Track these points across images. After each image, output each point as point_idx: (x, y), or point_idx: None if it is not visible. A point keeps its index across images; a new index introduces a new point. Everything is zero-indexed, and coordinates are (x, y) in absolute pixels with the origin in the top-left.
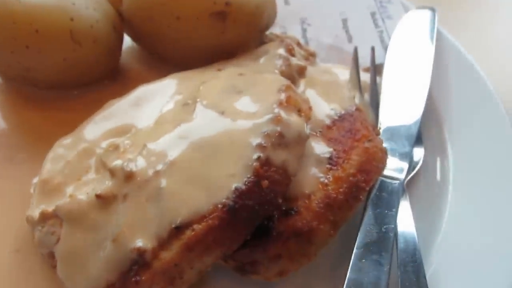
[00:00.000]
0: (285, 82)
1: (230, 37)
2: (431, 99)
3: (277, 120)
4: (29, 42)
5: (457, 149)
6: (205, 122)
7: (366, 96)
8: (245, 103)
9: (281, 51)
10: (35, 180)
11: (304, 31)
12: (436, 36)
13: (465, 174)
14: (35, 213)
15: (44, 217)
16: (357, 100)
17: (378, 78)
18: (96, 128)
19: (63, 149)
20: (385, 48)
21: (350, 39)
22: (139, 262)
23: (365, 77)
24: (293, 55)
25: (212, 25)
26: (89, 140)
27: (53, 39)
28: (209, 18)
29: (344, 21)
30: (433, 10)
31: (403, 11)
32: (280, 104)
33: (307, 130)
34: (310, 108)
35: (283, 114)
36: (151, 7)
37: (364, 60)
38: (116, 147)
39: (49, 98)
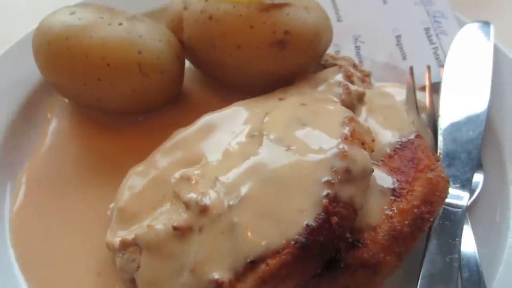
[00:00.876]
0: (348, 113)
1: (289, 65)
2: (490, 120)
3: (343, 155)
4: (101, 75)
5: None
6: (273, 157)
7: (424, 117)
8: (310, 137)
9: (340, 77)
10: (112, 205)
11: (357, 49)
12: (494, 52)
13: None
14: (116, 241)
15: (124, 245)
16: (415, 123)
17: (435, 97)
18: (166, 158)
19: (137, 178)
20: (440, 65)
21: (404, 57)
22: None
23: (421, 96)
24: (352, 81)
25: (272, 54)
26: (160, 168)
27: (123, 72)
28: (269, 47)
29: (398, 38)
30: (488, 24)
31: (457, 26)
32: (345, 138)
33: (371, 163)
34: (373, 140)
35: (348, 149)
36: (213, 36)
37: (420, 79)
38: (188, 178)
39: (116, 123)
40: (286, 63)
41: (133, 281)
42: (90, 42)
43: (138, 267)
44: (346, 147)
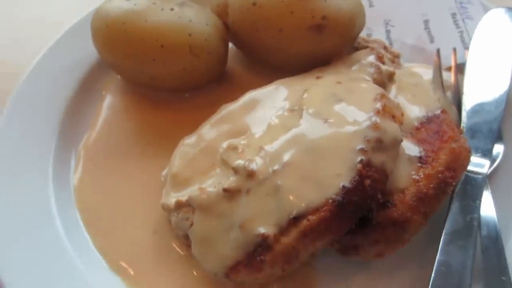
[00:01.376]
0: (379, 90)
1: (326, 47)
2: (511, 98)
3: (375, 127)
4: (155, 55)
5: None
6: (312, 129)
7: (449, 95)
8: (345, 111)
9: (372, 58)
10: (164, 172)
11: (388, 32)
12: None
13: None
14: (171, 201)
15: (179, 205)
16: (440, 99)
17: (460, 77)
18: (214, 130)
19: (188, 147)
20: (466, 48)
21: (432, 40)
22: (263, 245)
23: (447, 76)
24: (383, 62)
25: (311, 37)
26: (209, 139)
27: (175, 53)
28: (307, 30)
29: (426, 22)
30: (511, 9)
31: (482, 11)
32: (377, 112)
33: (400, 134)
34: (402, 114)
35: (380, 121)
36: (256, 20)
37: (446, 60)
38: (235, 148)
39: (166, 100)
40: (323, 45)
41: (186, 237)
42: (145, 26)
43: (191, 224)
44: (378, 120)
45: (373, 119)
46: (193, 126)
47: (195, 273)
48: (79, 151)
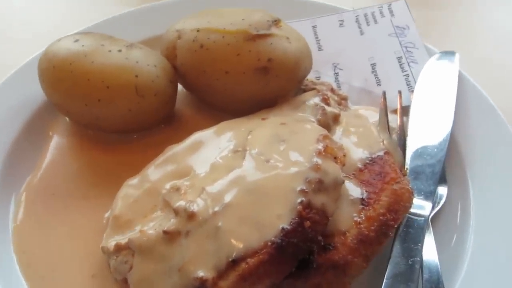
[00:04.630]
0: (322, 132)
1: (272, 89)
2: (454, 140)
3: (316, 168)
4: (101, 96)
5: (478, 187)
6: (254, 169)
7: (395, 137)
8: (288, 152)
9: (317, 100)
10: (107, 214)
11: (336, 75)
12: (458, 79)
13: (486, 211)
14: (110, 245)
15: (118, 248)
16: (386, 142)
17: (405, 119)
18: (158, 171)
19: (131, 189)
20: (411, 90)
21: (378, 83)
22: None
23: (393, 118)
24: (328, 104)
25: (256, 79)
26: (153, 181)
27: (121, 93)
28: (253, 73)
29: (373, 66)
30: (453, 53)
31: (427, 55)
32: (318, 153)
33: (342, 175)
34: (344, 155)
35: (321, 162)
36: (203, 62)
37: (392, 103)
38: (177, 189)
39: (113, 141)
40: (269, 87)
41: (125, 281)
42: (92, 66)
43: (131, 268)
44: (319, 161)
45: (314, 160)
46: (139, 168)
47: None
48: (20, 194)
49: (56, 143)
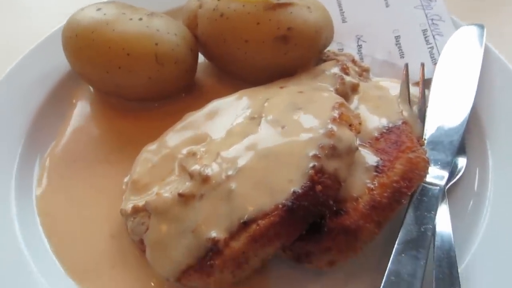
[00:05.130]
0: (339, 99)
1: (291, 58)
2: (475, 112)
3: (330, 134)
4: (121, 63)
5: (498, 159)
6: (269, 135)
7: (415, 109)
8: (303, 119)
9: (336, 70)
10: (127, 179)
11: (359, 47)
12: (484, 52)
13: (505, 184)
14: (128, 207)
15: (136, 210)
16: (406, 113)
17: (427, 92)
18: (176, 137)
19: (150, 154)
20: (435, 63)
21: (402, 55)
22: (214, 249)
23: (415, 91)
24: (347, 73)
25: (276, 48)
26: (170, 147)
27: (141, 61)
28: (273, 42)
29: (397, 38)
30: (481, 26)
31: (453, 28)
32: (333, 120)
33: (356, 143)
34: (360, 123)
35: (335, 129)
36: (223, 32)
37: (415, 75)
38: (193, 154)
39: (134, 109)
40: (289, 56)
41: (142, 242)
42: (113, 34)
43: (147, 229)
44: (333, 127)
45: (329, 126)
46: (159, 134)
47: (152, 283)
48: (44, 158)
49: (79, 110)
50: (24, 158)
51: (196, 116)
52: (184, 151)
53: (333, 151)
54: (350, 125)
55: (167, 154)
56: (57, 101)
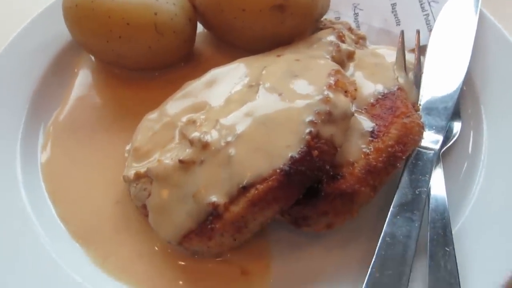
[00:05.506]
0: (335, 67)
1: (288, 27)
2: (470, 77)
3: (326, 100)
4: (121, 33)
5: (492, 124)
6: (267, 102)
7: (411, 76)
8: (300, 86)
9: (332, 38)
10: (128, 147)
11: (356, 15)
12: (479, 18)
13: (499, 147)
14: (130, 173)
15: (138, 176)
16: (401, 80)
17: (422, 58)
18: (176, 105)
19: (151, 122)
20: (430, 30)
21: (398, 23)
22: (214, 213)
23: (411, 57)
24: (343, 41)
25: (273, 17)
26: (171, 115)
27: (141, 30)
28: (270, 10)
29: (393, 5)
30: None
31: None
32: (329, 86)
33: (352, 108)
34: (355, 89)
35: (331, 95)
36: (220, 1)
37: (410, 42)
38: (193, 121)
39: (135, 78)
40: (286, 25)
41: (144, 207)
42: (112, 4)
43: (149, 195)
44: (329, 94)
45: (325, 93)
46: (159, 103)
47: (156, 247)
48: (48, 126)
49: (81, 79)
50: (28, 125)
51: (195, 85)
52: (184, 119)
53: (329, 117)
54: (345, 92)
55: (167, 122)
56: (59, 70)
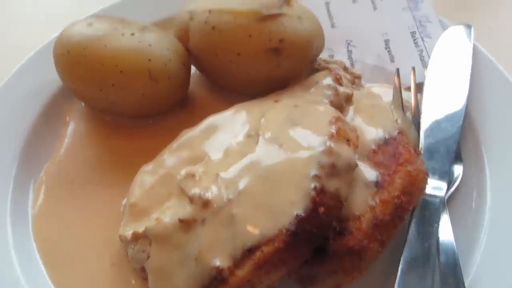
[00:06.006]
0: (335, 113)
1: (284, 70)
2: (469, 116)
3: (329, 152)
4: (115, 81)
5: (494, 165)
6: (267, 154)
7: (409, 115)
8: (300, 136)
9: (329, 80)
10: (124, 201)
11: (349, 53)
12: (473, 52)
13: (503, 190)
14: (128, 233)
15: (136, 237)
16: (400, 121)
17: (419, 96)
18: (173, 156)
19: (147, 175)
20: (425, 66)
21: (392, 59)
22: (218, 278)
23: (407, 96)
24: (340, 83)
25: (268, 60)
26: (168, 167)
27: (134, 78)
28: (265, 54)
29: (387, 42)
30: (469, 26)
31: (441, 29)
32: (331, 136)
33: (355, 159)
34: (357, 137)
35: (334, 145)
36: (215, 45)
37: (406, 80)
38: (192, 175)
39: (128, 126)
40: (281, 68)
41: (143, 270)
42: (105, 51)
43: (148, 257)
44: (332, 144)
45: (327, 143)
46: (155, 153)
47: None
48: (38, 180)
49: (73, 129)
50: (18, 181)
51: (192, 134)
52: (183, 172)
53: (333, 170)
54: (348, 140)
55: (164, 175)
56: (50, 119)
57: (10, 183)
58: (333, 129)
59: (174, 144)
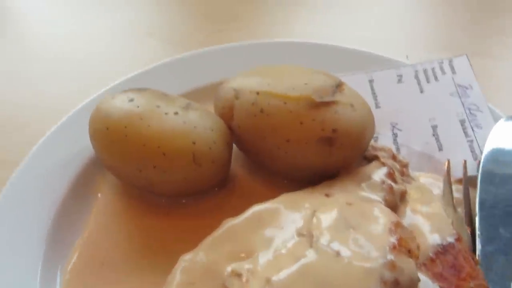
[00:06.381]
0: (393, 218)
1: (335, 160)
2: None
3: (392, 266)
4: (156, 163)
5: None
6: (323, 262)
7: (460, 211)
8: (358, 243)
9: (382, 175)
10: None
11: (395, 136)
12: None
13: None
14: None
15: None
16: (454, 222)
17: (470, 190)
18: (216, 248)
19: (187, 268)
20: (475, 159)
21: (440, 147)
22: None
23: (457, 189)
24: (394, 180)
25: (319, 149)
26: (210, 260)
27: (177, 161)
28: (316, 143)
29: (434, 128)
30: None
31: (492, 120)
32: (393, 247)
33: (417, 273)
34: (418, 247)
35: (396, 259)
36: (262, 128)
37: (455, 171)
38: (239, 275)
39: (165, 205)
40: (333, 159)
41: None
42: (148, 131)
43: None
44: (394, 258)
45: (389, 256)
46: (193, 235)
47: None
48: (67, 263)
49: (104, 205)
50: (45, 269)
51: (236, 224)
52: (229, 269)
53: (395, 286)
54: (409, 251)
55: (206, 269)
56: (80, 194)
57: (37, 271)
58: (393, 239)
59: (217, 233)
